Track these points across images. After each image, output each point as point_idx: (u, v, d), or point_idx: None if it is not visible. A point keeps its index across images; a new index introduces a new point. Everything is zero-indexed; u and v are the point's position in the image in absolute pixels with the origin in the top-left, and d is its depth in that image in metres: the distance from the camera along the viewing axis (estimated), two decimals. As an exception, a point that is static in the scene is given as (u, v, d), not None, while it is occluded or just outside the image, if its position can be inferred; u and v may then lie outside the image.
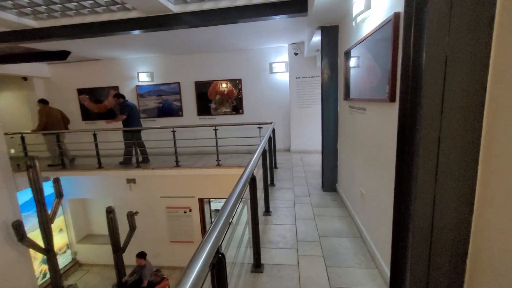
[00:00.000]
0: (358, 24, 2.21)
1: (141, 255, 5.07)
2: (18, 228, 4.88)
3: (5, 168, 5.16)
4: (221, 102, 6.29)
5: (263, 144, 2.53)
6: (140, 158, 5.39)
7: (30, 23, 3.43)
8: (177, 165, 5.02)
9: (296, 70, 5.68)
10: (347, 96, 2.72)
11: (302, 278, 1.80)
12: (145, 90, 6.50)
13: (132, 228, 5.57)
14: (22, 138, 5.39)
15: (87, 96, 6.37)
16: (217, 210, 8.18)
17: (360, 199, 2.33)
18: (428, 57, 0.89)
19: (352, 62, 2.53)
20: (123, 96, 5.25)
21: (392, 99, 1.54)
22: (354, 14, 2.10)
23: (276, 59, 5.96)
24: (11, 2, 2.94)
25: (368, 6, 1.84)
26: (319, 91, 5.45)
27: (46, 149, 5.77)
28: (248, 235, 2.26)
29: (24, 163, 5.05)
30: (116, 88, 6.57)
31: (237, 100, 6.24)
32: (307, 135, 5.84)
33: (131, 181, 6.05)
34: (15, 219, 4.99)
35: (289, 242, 2.26)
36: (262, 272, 1.87)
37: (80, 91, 6.67)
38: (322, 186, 3.51)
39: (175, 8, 3.23)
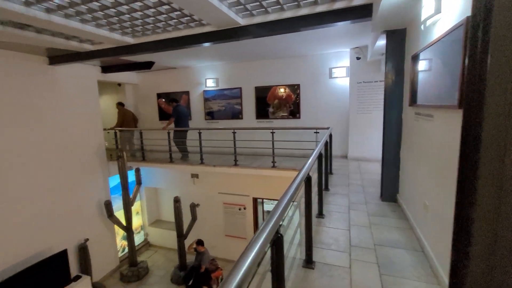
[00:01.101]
0: (427, 28, 2.12)
1: (201, 242, 5.61)
2: (109, 207, 5.94)
3: (102, 157, 6.34)
4: (279, 106, 6.51)
5: (319, 147, 2.61)
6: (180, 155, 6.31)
7: (129, 40, 4.23)
8: (236, 164, 5.40)
9: (357, 75, 5.52)
10: (413, 101, 2.59)
11: (354, 281, 1.82)
12: (211, 95, 7.17)
13: (194, 218, 6.20)
14: (115, 133, 6.56)
15: (163, 99, 7.36)
16: (269, 211, 8.40)
17: (424, 212, 2.20)
18: (494, 61, 0.89)
19: (420, 66, 2.41)
20: (176, 101, 6.20)
21: (461, 105, 1.47)
22: (423, 18, 2.03)
23: (337, 64, 5.89)
24: (119, 25, 3.71)
25: (438, 10, 1.78)
26: (382, 96, 5.21)
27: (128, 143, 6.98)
28: (299, 236, 2.36)
29: (115, 154, 6.13)
30: (187, 92, 7.43)
31: (295, 104, 6.36)
32: (366, 142, 5.59)
33: (194, 175, 6.74)
34: (106, 199, 6.10)
35: (341, 245, 2.28)
36: (313, 269, 1.96)
37: (159, 95, 7.76)
38: (381, 196, 3.36)
39: (243, 21, 3.57)
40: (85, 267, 5.52)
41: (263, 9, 3.36)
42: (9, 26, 3.44)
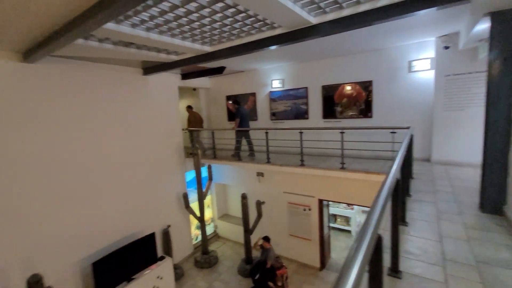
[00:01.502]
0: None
1: (267, 239, 5.78)
2: (186, 198, 6.65)
3: (180, 154, 7.12)
4: (347, 105, 6.20)
5: (403, 148, 2.39)
6: (248, 153, 6.72)
7: (207, 48, 4.66)
8: (302, 164, 5.38)
9: (445, 67, 4.82)
10: (531, 95, 2.14)
11: (452, 299, 1.62)
12: (276, 95, 7.31)
13: (259, 214, 6.42)
14: (190, 132, 7.30)
15: (231, 102, 7.84)
16: (334, 215, 8.08)
17: (548, 229, 1.80)
18: None
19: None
20: (238, 103, 6.67)
21: None
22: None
23: (418, 56, 5.26)
24: (200, 36, 4.14)
25: None
26: (479, 90, 4.44)
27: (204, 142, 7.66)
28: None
29: (191, 151, 6.81)
30: (253, 94, 7.74)
31: (366, 103, 5.95)
32: (455, 143, 4.84)
33: (260, 174, 6.98)
34: (184, 192, 6.84)
35: (432, 257, 2.05)
36: (400, 278, 1.81)
37: (228, 98, 8.31)
38: (481, 206, 2.87)
39: (315, 20, 3.53)
40: (167, 250, 6.32)
41: (337, 5, 3.26)
42: (119, 45, 4.20)
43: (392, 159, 2.36)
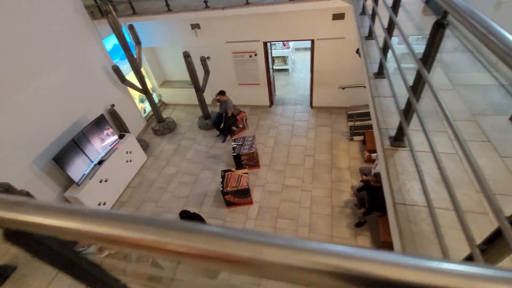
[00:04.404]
0: None
1: (222, 92, 5.98)
2: (119, 71, 5.74)
3: (84, 16, 5.37)
4: None
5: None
6: None
7: None
8: (247, 2, 4.81)
9: None
10: None
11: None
12: None
13: (207, 71, 6.23)
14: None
15: None
16: (280, 57, 8.32)
17: None
18: None
19: None
20: None
21: None
22: None
23: None
24: None
25: None
26: None
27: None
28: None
29: (101, 8, 5.19)
30: None
31: None
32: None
33: (195, 26, 6.13)
34: (113, 65, 5.78)
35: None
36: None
37: None
38: None
39: None
40: (122, 128, 6.06)
41: None
42: None
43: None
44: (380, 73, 2.26)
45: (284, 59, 8.47)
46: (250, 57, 6.41)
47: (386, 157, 1.60)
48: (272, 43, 6.85)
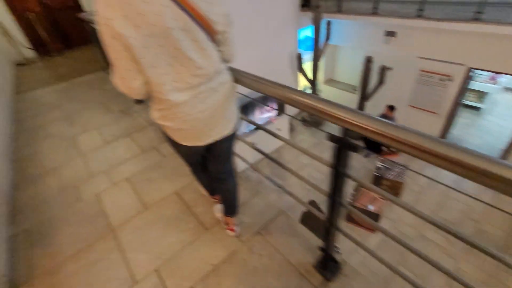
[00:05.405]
0: None
1: (392, 107, 5.49)
2: (300, 59, 6.32)
3: (294, 5, 6.08)
4: None
5: None
6: None
7: None
8: (477, 18, 4.02)
9: None
10: None
11: None
12: None
13: (381, 81, 5.85)
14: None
15: None
16: (478, 91, 6.77)
17: None
18: None
19: None
20: None
21: None
22: None
23: None
24: None
25: None
26: None
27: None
28: None
29: (313, 2, 5.75)
30: None
31: None
32: None
33: (390, 33, 5.80)
34: (297, 52, 6.41)
35: None
36: None
37: None
38: None
39: None
40: (281, 108, 6.75)
41: None
42: None
43: None
44: None
45: (481, 95, 6.74)
46: (441, 80, 5.47)
47: None
48: (477, 72, 5.55)
